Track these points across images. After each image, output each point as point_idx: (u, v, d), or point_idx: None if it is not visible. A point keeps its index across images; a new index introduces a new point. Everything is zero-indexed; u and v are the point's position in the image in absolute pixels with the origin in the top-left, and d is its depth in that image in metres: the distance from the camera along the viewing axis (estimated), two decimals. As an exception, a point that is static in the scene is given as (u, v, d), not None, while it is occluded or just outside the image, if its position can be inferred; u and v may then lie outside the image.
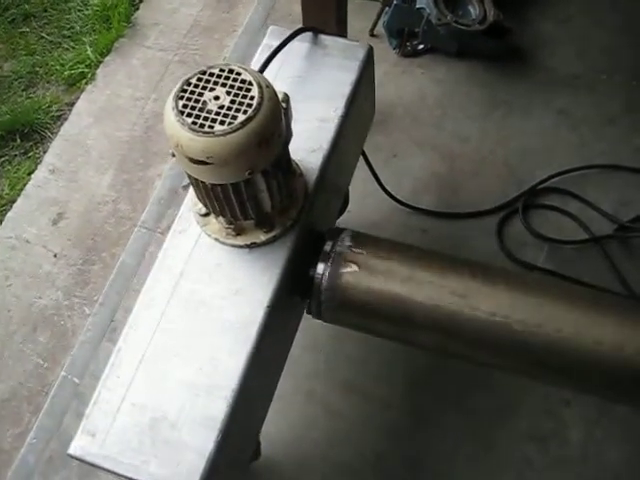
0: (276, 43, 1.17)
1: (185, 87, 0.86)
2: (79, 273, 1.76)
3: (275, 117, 0.86)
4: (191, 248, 1.05)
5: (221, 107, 0.84)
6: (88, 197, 1.87)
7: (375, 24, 2.02)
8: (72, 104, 2.07)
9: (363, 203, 1.74)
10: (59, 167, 1.94)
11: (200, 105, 0.84)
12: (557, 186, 1.75)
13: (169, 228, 1.77)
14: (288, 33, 1.20)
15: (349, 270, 1.09)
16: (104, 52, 2.14)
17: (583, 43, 2.00)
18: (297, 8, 2.11)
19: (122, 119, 2.01)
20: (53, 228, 1.83)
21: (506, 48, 1.97)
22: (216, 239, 1.04)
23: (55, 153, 1.97)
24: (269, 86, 0.87)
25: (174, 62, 2.10)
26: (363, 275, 1.09)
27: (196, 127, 0.83)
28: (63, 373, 1.63)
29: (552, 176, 1.76)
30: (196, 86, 0.86)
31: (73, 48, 2.17)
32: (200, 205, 1.05)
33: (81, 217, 1.84)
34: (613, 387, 1.02)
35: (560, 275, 1.61)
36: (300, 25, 1.27)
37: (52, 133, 2.01)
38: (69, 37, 2.21)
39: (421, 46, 1.99)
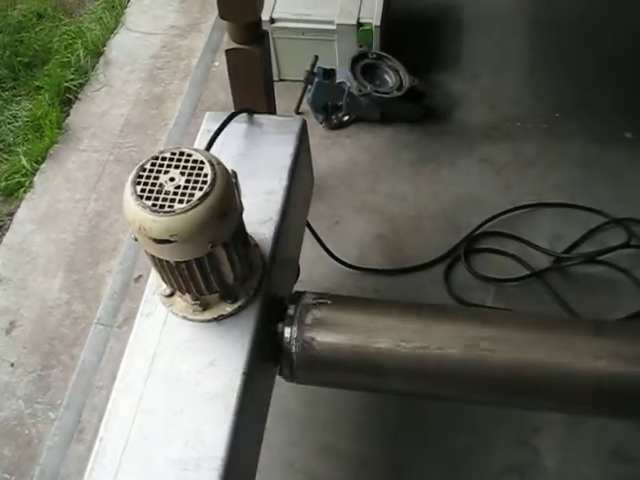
0: (214, 127, 1.24)
1: (140, 173, 0.91)
2: (39, 379, 1.73)
3: (230, 191, 0.92)
4: (160, 329, 1.07)
5: (177, 187, 0.89)
6: (40, 302, 1.87)
7: (300, 102, 2.13)
8: (12, 214, 2.08)
9: (313, 271, 1.79)
10: (6, 276, 1.93)
11: (157, 188, 0.89)
12: (493, 229, 1.86)
13: (126, 321, 1.80)
14: (224, 117, 1.27)
15: (315, 329, 1.13)
16: (39, 160, 2.17)
17: (493, 97, 2.16)
18: (223, 96, 2.23)
19: (65, 222, 2.03)
20: (7, 338, 1.81)
21: (424, 109, 2.11)
22: (184, 317, 1.07)
23: (0, 263, 1.96)
24: (220, 163, 0.93)
25: (110, 161, 2.15)
26: (328, 332, 1.13)
27: (157, 208, 0.87)
28: (34, 483, 1.58)
29: (486, 221, 1.86)
30: (151, 171, 0.91)
31: (7, 160, 2.20)
32: (164, 286, 1.08)
33: (35, 323, 1.83)
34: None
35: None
36: (230, 111, 1.35)
37: (-5, 244, 2.02)
38: (1, 150, 2.23)
39: (346, 117, 2.11)
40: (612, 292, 1.74)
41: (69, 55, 2.42)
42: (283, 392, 1.26)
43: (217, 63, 2.34)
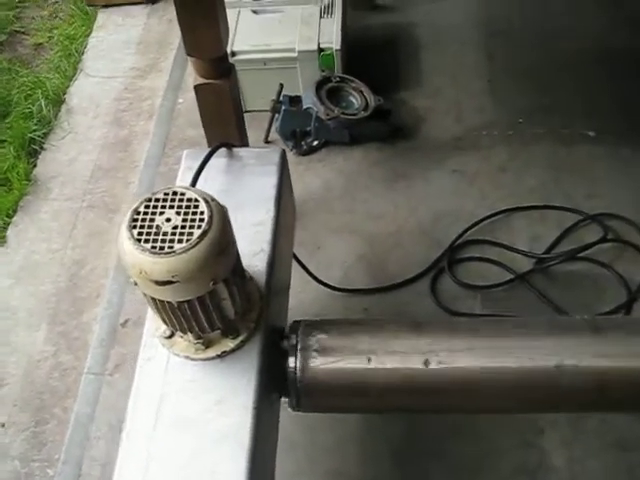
0: (194, 164, 1.23)
1: (135, 216, 0.90)
2: (33, 436, 1.69)
3: (227, 226, 0.92)
4: (163, 372, 1.06)
5: (175, 227, 0.89)
6: (25, 358, 1.83)
7: (268, 131, 2.15)
8: (-13, 270, 2.05)
9: (301, 298, 1.78)
10: (-13, 334, 1.89)
11: (154, 230, 0.88)
12: (472, 238, 1.88)
13: (118, 368, 1.77)
14: (203, 153, 1.27)
15: (318, 356, 1.13)
16: (10, 213, 2.14)
17: (456, 109, 2.21)
18: (191, 132, 2.23)
19: (43, 273, 2.00)
20: (-5, 397, 1.77)
21: (392, 127, 2.14)
22: (186, 357, 1.06)
23: (-20, 322, 1.92)
24: (214, 199, 0.93)
25: (84, 208, 2.13)
26: (332, 358, 1.13)
27: (157, 250, 0.87)
28: None
29: (466, 230, 1.89)
30: (145, 213, 0.90)
31: (-23, 216, 2.16)
32: (163, 328, 1.06)
33: (23, 379, 1.79)
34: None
35: (498, 316, 1.71)
36: (199, 146, 1.34)
37: (-28, 303, 1.97)
38: (-30, 206, 2.20)
39: (315, 142, 2.12)
40: (595, 287, 1.77)
41: (30, 106, 2.40)
42: (283, 420, 1.25)
43: (181, 100, 2.34)
